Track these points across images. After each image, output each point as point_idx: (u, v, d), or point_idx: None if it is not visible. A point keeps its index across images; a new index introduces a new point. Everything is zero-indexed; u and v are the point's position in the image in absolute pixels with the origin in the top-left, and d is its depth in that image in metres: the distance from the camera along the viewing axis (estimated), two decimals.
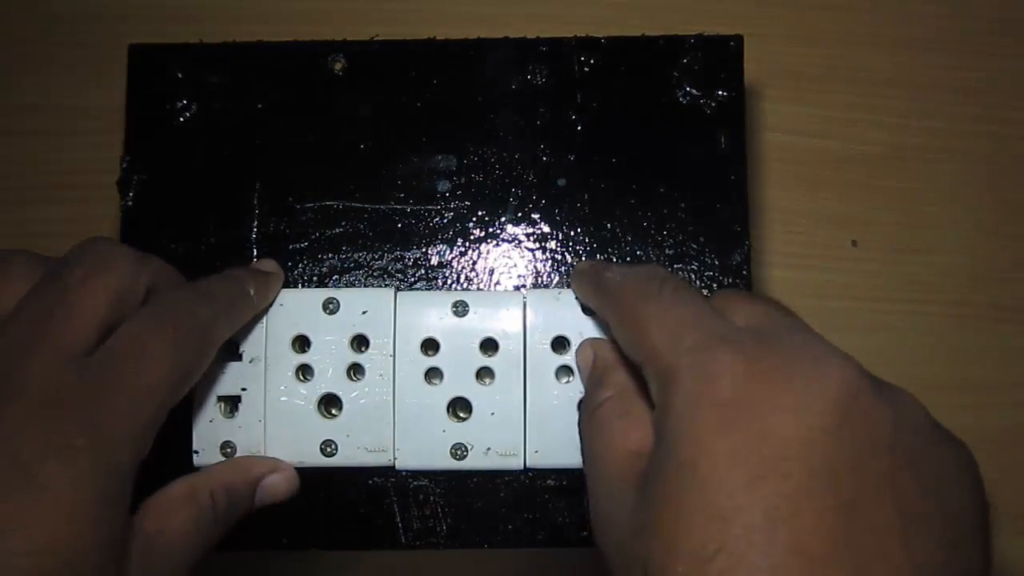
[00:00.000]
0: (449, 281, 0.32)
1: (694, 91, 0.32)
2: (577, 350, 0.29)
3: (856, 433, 0.20)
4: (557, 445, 0.30)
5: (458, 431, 0.30)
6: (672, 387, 0.21)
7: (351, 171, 0.32)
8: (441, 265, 0.32)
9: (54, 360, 0.23)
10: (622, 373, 0.27)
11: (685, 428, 0.21)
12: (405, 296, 0.31)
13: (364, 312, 0.30)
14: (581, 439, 0.26)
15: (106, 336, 0.24)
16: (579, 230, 0.32)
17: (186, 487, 0.26)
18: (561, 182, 0.32)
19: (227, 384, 0.30)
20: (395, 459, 0.30)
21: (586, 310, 0.30)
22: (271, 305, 0.30)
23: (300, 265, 0.32)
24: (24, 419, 0.22)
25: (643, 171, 0.32)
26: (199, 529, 0.26)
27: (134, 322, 0.25)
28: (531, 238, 0.32)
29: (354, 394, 0.30)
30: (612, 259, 0.32)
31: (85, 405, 0.23)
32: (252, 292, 0.29)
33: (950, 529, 0.20)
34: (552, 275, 0.32)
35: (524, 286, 0.32)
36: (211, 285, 0.28)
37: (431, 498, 0.31)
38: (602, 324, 0.30)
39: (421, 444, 0.30)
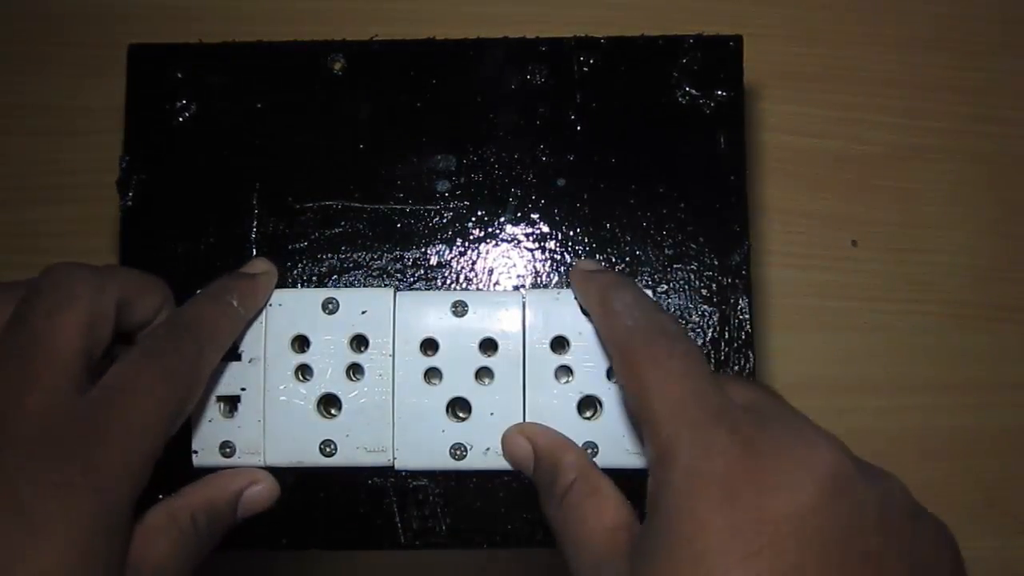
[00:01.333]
0: (448, 281, 0.32)
1: (693, 91, 0.32)
2: (504, 440, 0.29)
3: (844, 512, 0.21)
4: None
5: (457, 431, 0.30)
6: (670, 461, 0.22)
7: (351, 171, 0.32)
8: (440, 265, 0.32)
9: (48, 399, 0.23)
10: (573, 453, 0.28)
11: (683, 502, 0.21)
12: (404, 296, 0.31)
13: (363, 312, 0.30)
14: (552, 526, 0.27)
15: (92, 365, 0.25)
16: (579, 230, 0.32)
17: (164, 514, 0.26)
18: (561, 182, 0.32)
19: (226, 384, 0.30)
20: (394, 459, 0.30)
21: (585, 311, 0.30)
22: (269, 305, 0.30)
23: (300, 265, 0.32)
24: (23, 458, 0.22)
25: (643, 171, 0.32)
26: (184, 551, 0.26)
27: (124, 363, 0.25)
28: (530, 238, 0.32)
29: (353, 394, 0.30)
30: (612, 260, 0.32)
31: (82, 443, 0.23)
32: (236, 303, 0.29)
33: None
34: (551, 275, 0.32)
35: (523, 286, 0.32)
36: (195, 311, 0.28)
37: (430, 498, 0.31)
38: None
39: (420, 444, 0.30)
